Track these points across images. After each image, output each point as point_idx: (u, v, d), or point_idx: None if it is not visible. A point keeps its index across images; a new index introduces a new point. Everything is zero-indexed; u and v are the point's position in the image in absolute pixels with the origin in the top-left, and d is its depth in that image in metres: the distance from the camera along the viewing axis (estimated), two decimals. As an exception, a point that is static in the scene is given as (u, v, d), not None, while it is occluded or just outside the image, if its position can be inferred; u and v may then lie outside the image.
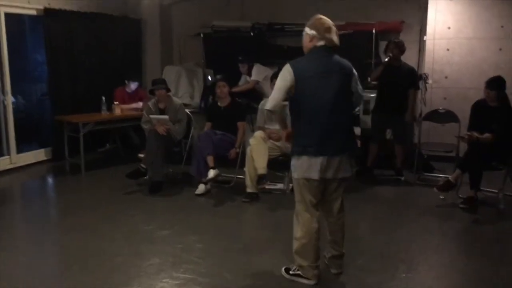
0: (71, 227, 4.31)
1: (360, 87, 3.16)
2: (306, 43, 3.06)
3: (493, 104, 4.79)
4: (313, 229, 3.10)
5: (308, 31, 3.04)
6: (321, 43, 3.00)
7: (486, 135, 4.65)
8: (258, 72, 6.57)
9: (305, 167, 2.99)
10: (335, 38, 3.02)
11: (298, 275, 3.20)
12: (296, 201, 3.15)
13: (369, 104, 5.95)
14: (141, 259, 3.57)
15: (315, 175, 2.98)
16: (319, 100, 2.96)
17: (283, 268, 3.30)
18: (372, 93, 5.89)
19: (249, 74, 6.65)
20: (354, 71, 3.14)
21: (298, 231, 3.14)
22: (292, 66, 2.98)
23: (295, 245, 3.17)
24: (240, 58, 6.65)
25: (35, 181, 6.22)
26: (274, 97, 3.01)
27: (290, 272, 3.24)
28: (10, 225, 4.52)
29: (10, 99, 6.23)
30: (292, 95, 2.99)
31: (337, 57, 3.07)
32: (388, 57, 5.55)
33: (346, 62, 3.10)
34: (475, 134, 4.72)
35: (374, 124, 5.86)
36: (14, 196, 5.68)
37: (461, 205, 4.72)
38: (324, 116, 2.96)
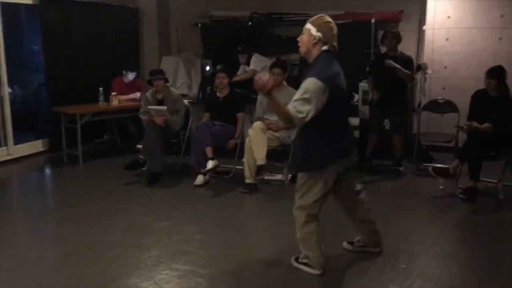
0: (69, 218, 4.29)
1: None
2: (309, 44, 2.92)
3: (493, 93, 4.77)
4: (317, 223, 3.13)
5: (313, 31, 2.88)
6: (326, 47, 2.90)
7: (486, 125, 4.63)
8: (257, 62, 6.53)
9: (335, 170, 2.99)
10: (337, 45, 2.95)
11: (305, 264, 3.20)
12: (306, 203, 3.05)
13: (367, 95, 5.93)
14: (140, 251, 3.56)
15: (337, 172, 3.04)
16: (345, 105, 3.03)
17: (293, 258, 3.30)
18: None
19: (248, 64, 6.62)
20: None
21: (304, 228, 3.11)
22: (323, 80, 2.80)
23: (301, 237, 3.16)
24: (239, 48, 6.60)
25: (32, 172, 6.19)
26: (310, 108, 2.78)
27: (299, 261, 3.26)
28: (8, 217, 4.48)
29: (6, 89, 6.17)
30: (324, 105, 2.84)
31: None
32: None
33: None
34: (475, 124, 4.70)
35: (372, 115, 5.84)
36: (11, 188, 5.66)
37: (460, 196, 4.71)
38: (347, 118, 3.09)
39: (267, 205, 4.72)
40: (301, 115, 2.79)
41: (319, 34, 2.87)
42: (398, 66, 5.38)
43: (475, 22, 6.22)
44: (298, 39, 2.98)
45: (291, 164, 3.12)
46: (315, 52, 2.92)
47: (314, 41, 2.89)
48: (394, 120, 5.73)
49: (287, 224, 3.77)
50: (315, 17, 2.98)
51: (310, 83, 2.81)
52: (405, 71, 5.41)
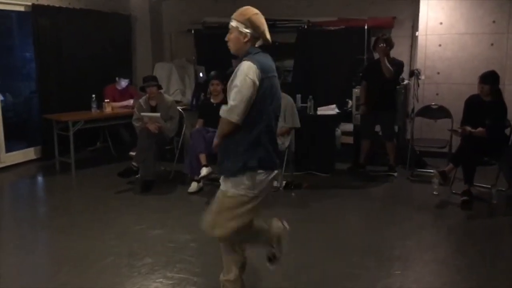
0: (61, 227, 4.24)
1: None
2: (239, 44, 2.55)
3: (487, 98, 4.79)
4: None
5: (242, 28, 2.51)
6: (259, 43, 2.56)
7: (479, 129, 4.66)
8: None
9: (260, 181, 2.54)
10: (270, 37, 2.58)
11: None
12: (238, 228, 2.57)
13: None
14: (134, 259, 3.52)
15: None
16: (273, 104, 2.54)
17: None
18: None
19: (242, 70, 6.61)
20: None
21: (234, 267, 2.72)
22: (257, 64, 2.45)
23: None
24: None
25: (24, 181, 6.13)
26: (240, 107, 2.40)
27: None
28: (-1, 226, 4.45)
29: (-2, 97, 6.14)
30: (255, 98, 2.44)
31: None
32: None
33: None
34: (468, 128, 4.72)
35: (362, 120, 5.84)
36: (2, 196, 5.59)
37: (463, 198, 4.65)
38: (275, 124, 2.60)
39: (262, 211, 4.68)
40: (234, 115, 2.41)
41: (249, 31, 2.51)
42: (385, 58, 5.37)
43: (467, 28, 6.26)
44: (226, 38, 2.60)
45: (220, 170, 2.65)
46: (247, 49, 2.57)
47: (246, 40, 2.53)
48: (385, 126, 5.72)
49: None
50: (239, 11, 2.58)
51: (244, 68, 2.45)
52: (389, 67, 5.37)
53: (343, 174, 5.83)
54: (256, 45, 2.56)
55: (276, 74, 2.62)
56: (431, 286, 3.17)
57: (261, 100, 2.46)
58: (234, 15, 2.57)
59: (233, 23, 2.55)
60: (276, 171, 2.63)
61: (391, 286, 3.13)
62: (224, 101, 6.06)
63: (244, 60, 2.49)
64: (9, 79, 7.32)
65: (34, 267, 3.55)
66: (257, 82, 2.42)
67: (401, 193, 5.28)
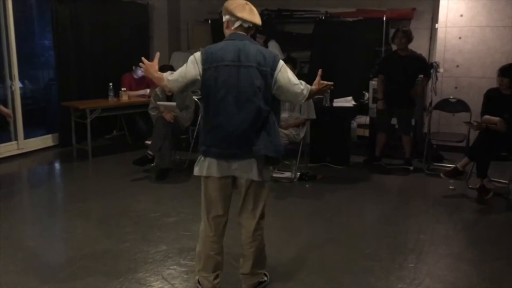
0: (77, 213, 4.31)
1: (293, 81, 2.59)
2: (225, 32, 2.68)
3: (506, 92, 4.71)
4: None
5: (223, 19, 2.66)
6: (237, 24, 2.59)
7: (498, 119, 4.57)
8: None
9: (205, 167, 2.76)
10: (251, 17, 2.59)
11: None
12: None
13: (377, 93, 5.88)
14: (148, 246, 3.56)
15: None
16: (225, 93, 2.50)
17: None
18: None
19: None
20: (281, 64, 2.57)
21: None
22: (203, 52, 2.54)
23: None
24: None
25: (42, 167, 6.22)
26: (174, 78, 2.62)
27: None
28: (17, 211, 4.51)
29: (17, 84, 6.21)
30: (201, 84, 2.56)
31: (254, 46, 2.58)
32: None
33: (268, 53, 2.60)
34: (487, 117, 4.66)
35: (379, 114, 5.79)
36: (21, 182, 5.69)
37: (486, 197, 4.61)
38: (230, 114, 2.51)
39: (276, 202, 4.69)
40: (168, 79, 2.66)
41: (226, 17, 2.62)
42: (420, 90, 5.64)
43: (488, 20, 6.15)
44: None
45: None
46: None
47: (226, 26, 2.66)
48: (402, 120, 5.67)
49: (295, 221, 3.76)
50: None
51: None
52: (425, 86, 5.67)
53: (359, 167, 5.81)
54: (235, 26, 2.60)
55: (237, 63, 2.50)
56: (444, 280, 3.15)
57: (207, 89, 2.55)
58: None
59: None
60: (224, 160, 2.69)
61: (404, 278, 3.12)
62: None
63: None
64: (28, 66, 7.42)
65: (51, 252, 3.61)
66: (197, 67, 2.53)
67: (417, 186, 5.24)
